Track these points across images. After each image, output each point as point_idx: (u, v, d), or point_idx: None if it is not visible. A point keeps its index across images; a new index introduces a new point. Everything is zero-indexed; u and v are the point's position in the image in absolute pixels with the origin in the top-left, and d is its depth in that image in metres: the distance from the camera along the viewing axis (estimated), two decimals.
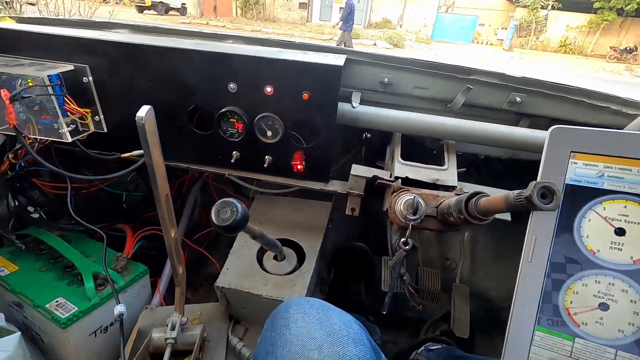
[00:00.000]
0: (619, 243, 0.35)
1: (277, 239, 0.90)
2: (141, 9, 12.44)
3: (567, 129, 0.37)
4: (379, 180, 0.74)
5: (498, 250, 1.11)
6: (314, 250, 0.86)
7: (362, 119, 0.77)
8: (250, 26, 12.12)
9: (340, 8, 14.92)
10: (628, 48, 11.58)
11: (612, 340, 0.35)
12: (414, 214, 0.60)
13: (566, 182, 0.37)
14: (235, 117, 0.74)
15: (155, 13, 12.82)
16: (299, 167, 0.76)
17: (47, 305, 0.75)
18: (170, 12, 13.59)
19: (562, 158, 0.37)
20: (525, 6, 12.91)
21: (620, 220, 0.35)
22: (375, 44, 10.50)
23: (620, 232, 0.35)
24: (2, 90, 0.63)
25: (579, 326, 0.37)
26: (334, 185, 0.81)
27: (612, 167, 0.35)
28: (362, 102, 0.82)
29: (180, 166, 0.82)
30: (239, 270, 0.79)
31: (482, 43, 14.73)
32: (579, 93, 0.74)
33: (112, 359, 0.85)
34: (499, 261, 1.11)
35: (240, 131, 0.75)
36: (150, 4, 12.39)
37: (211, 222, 0.45)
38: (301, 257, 0.85)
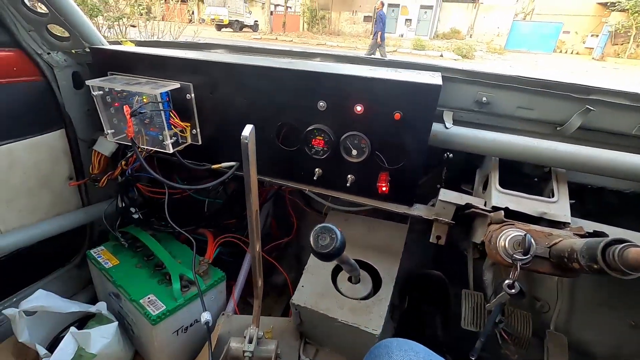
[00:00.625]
0: None
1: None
2: (219, 27, 13.73)
3: None
4: (472, 210, 0.67)
5: (605, 297, 0.94)
6: (390, 276, 0.81)
7: (456, 140, 0.71)
8: (316, 40, 12.56)
9: (407, 20, 14.74)
10: None
11: None
12: (525, 254, 0.52)
13: None
14: (322, 135, 0.74)
15: (231, 30, 14.04)
16: (383, 188, 0.72)
17: (141, 301, 0.81)
18: (244, 29, 14.78)
19: None
20: (623, 10, 11.32)
21: None
22: (442, 55, 10.10)
23: None
24: (125, 107, 0.71)
25: None
26: (419, 210, 0.76)
27: None
28: (455, 122, 0.76)
29: (264, 180, 0.84)
30: (314, 289, 0.78)
31: (566, 52, 13.27)
32: None
33: (190, 358, 0.90)
34: (607, 311, 0.94)
35: (325, 149, 0.74)
36: (227, 22, 13.62)
37: (310, 247, 0.44)
38: (376, 281, 0.81)
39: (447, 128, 0.72)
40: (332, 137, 0.72)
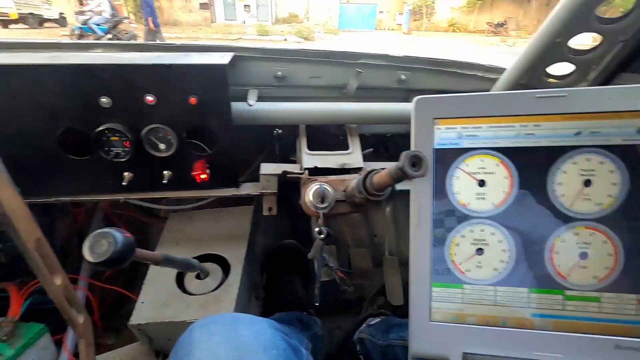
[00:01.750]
0: (482, 193, 0.39)
1: (199, 256, 0.84)
2: (5, 23, 10.46)
3: (428, 99, 0.40)
4: (287, 175, 0.73)
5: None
6: (239, 259, 0.82)
7: (261, 116, 0.75)
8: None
9: (245, 6, 14.56)
10: (500, 23, 13.56)
11: (490, 279, 0.40)
12: (322, 202, 0.61)
13: (434, 147, 0.40)
14: (117, 135, 0.65)
15: (27, 27, 10.92)
16: (202, 176, 0.71)
17: None
18: (45, 25, 11.71)
19: (427, 125, 0.40)
20: None
21: (480, 173, 0.39)
22: (286, 39, 10.51)
23: (482, 183, 0.39)
24: None
25: (464, 274, 0.40)
26: (247, 188, 0.78)
27: (467, 128, 0.39)
28: (261, 98, 0.80)
29: (61, 200, 0.70)
30: (156, 300, 0.72)
31: (384, 29, 15.77)
32: (452, 65, 0.82)
33: None
34: None
35: (126, 149, 0.67)
36: (17, 17, 10.50)
37: (86, 261, 0.39)
38: (228, 270, 0.81)
39: (250, 105, 0.74)
40: (130, 135, 0.65)
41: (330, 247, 0.89)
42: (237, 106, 0.72)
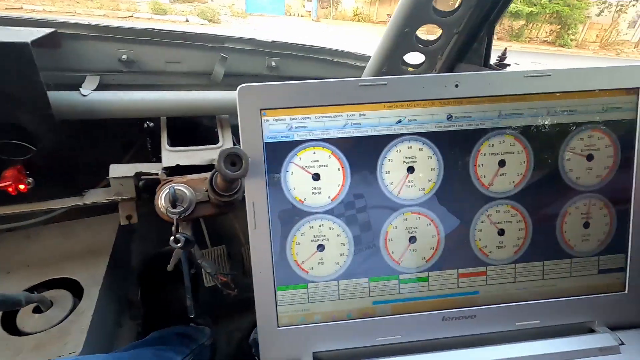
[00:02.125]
0: (318, 187, 0.38)
1: (42, 282, 0.68)
2: None
3: (252, 87, 0.36)
4: (142, 177, 0.63)
5: None
6: (95, 280, 0.69)
7: (100, 108, 0.62)
8: (5, 2, 8.89)
9: None
10: None
11: (332, 274, 0.39)
12: (173, 206, 0.53)
13: (265, 142, 0.36)
14: None
15: None
16: (20, 187, 0.56)
17: None
18: None
19: (254, 117, 0.36)
20: None
21: (313, 167, 0.37)
22: (187, 20, 9.59)
23: (316, 177, 0.37)
24: None
25: (308, 272, 0.38)
26: (93, 196, 0.65)
27: (296, 119, 0.37)
28: (105, 87, 0.66)
29: None
30: None
31: (294, 15, 15.66)
32: (323, 52, 0.81)
33: None
34: None
35: None
36: None
37: None
38: (80, 293, 0.68)
39: (83, 96, 0.61)
40: None
41: (205, 250, 0.82)
42: (64, 96, 0.58)
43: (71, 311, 0.64)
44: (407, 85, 0.37)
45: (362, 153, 0.38)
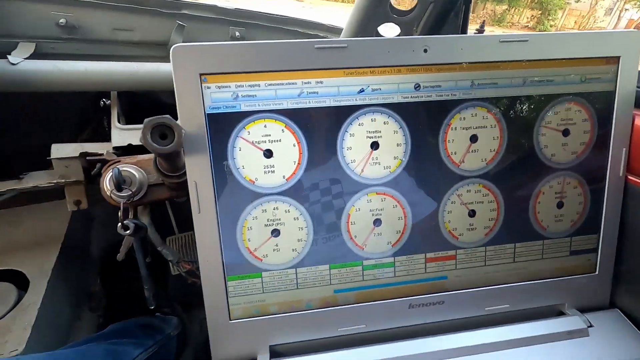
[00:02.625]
0: (271, 165, 0.33)
1: None
2: None
3: (190, 47, 0.30)
4: (87, 158, 0.57)
5: None
6: (42, 271, 0.63)
7: (35, 79, 0.54)
8: None
9: None
10: None
11: (289, 262, 0.35)
12: (119, 189, 0.48)
13: (207, 112, 0.31)
14: None
15: None
16: None
17: None
18: None
19: (193, 84, 0.31)
20: None
21: (265, 142, 0.33)
22: None
23: (268, 153, 0.33)
24: None
25: (261, 260, 0.35)
26: (34, 179, 0.58)
27: (243, 86, 0.32)
28: (42, 56, 0.58)
29: None
30: None
31: None
32: (292, 23, 0.75)
33: None
34: None
35: None
36: None
37: None
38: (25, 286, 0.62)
39: (13, 64, 0.53)
40: None
41: (172, 237, 0.77)
42: None
43: (14, 306, 0.59)
44: (370, 49, 0.32)
45: (320, 126, 0.33)
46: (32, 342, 0.54)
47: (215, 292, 0.34)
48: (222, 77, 0.31)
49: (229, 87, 0.31)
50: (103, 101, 0.78)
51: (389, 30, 0.68)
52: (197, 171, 0.32)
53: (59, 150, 0.58)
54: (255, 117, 0.32)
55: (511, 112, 0.36)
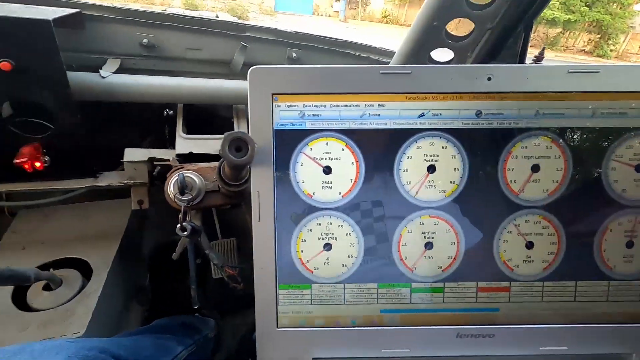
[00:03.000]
0: (329, 181, 0.35)
1: (54, 261, 0.69)
2: None
3: (265, 69, 0.33)
4: (154, 162, 0.63)
5: None
6: (105, 262, 0.69)
7: (119, 90, 0.62)
8: None
9: None
10: None
11: (339, 276, 0.36)
12: (182, 193, 0.52)
13: (275, 129, 0.34)
14: None
15: None
16: (36, 164, 0.56)
17: None
18: None
19: (265, 102, 0.34)
20: None
21: (325, 159, 0.35)
22: (217, 16, 9.78)
23: (327, 170, 0.35)
24: None
25: (312, 272, 0.36)
26: (107, 178, 0.65)
27: (310, 106, 0.34)
28: (126, 70, 0.66)
29: None
30: None
31: (322, 15, 15.69)
32: (346, 46, 0.78)
33: None
34: None
35: None
36: None
37: None
38: (89, 275, 0.68)
39: (103, 78, 0.61)
40: None
41: (215, 242, 0.81)
42: (83, 77, 0.59)
43: (79, 291, 0.65)
44: (433, 76, 0.33)
45: (379, 147, 0.35)
46: (92, 327, 0.59)
47: (266, 298, 0.36)
48: (291, 97, 0.34)
49: (297, 106, 0.34)
50: (167, 111, 0.86)
51: (442, 54, 0.68)
52: (261, 182, 0.35)
53: (130, 154, 0.64)
54: (318, 135, 0.34)
55: (578, 143, 0.35)
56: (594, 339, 0.37)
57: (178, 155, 0.65)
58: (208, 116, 0.77)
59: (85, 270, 0.69)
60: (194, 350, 0.68)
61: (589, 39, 11.28)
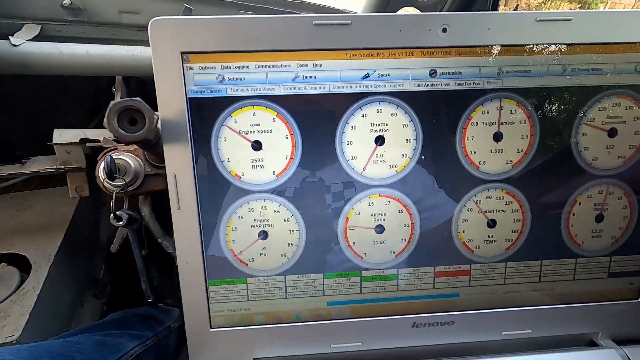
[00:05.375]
0: (260, 159, 0.29)
1: None
2: None
3: (170, 20, 0.27)
4: (86, 144, 0.55)
5: None
6: (46, 256, 0.63)
7: (36, 61, 0.53)
8: None
9: None
10: None
11: (278, 267, 0.31)
12: (111, 178, 0.46)
13: (188, 96, 0.28)
14: None
15: None
16: None
17: None
18: None
19: (173, 63, 0.27)
20: None
21: (253, 132, 0.29)
22: None
23: (257, 146, 0.29)
24: None
25: (247, 265, 0.31)
26: (37, 164, 0.57)
27: (230, 67, 0.28)
28: (47, 38, 0.57)
29: None
30: None
31: None
32: (308, 8, 0.70)
33: None
34: None
35: None
36: None
37: None
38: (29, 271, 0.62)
39: (14, 46, 0.52)
40: None
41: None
42: None
43: (14, 291, 0.58)
44: (378, 27, 0.27)
45: (317, 116, 0.29)
46: (29, 328, 0.54)
47: (195, 297, 0.31)
48: (206, 57, 0.27)
49: (214, 68, 0.28)
50: (114, 88, 0.77)
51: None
52: (177, 163, 0.29)
53: (60, 136, 0.56)
54: (243, 104, 0.28)
55: (546, 106, 0.30)
56: (559, 320, 0.34)
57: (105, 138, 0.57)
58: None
59: (25, 267, 0.63)
60: (155, 343, 0.64)
61: (570, 9, 11.27)
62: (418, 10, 0.59)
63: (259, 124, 0.29)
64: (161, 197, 0.65)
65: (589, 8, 10.93)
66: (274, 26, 0.27)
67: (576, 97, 0.30)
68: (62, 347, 0.45)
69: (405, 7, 0.59)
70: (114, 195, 0.46)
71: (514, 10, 0.57)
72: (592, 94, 0.30)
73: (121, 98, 0.63)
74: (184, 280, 0.31)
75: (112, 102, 0.24)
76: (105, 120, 0.24)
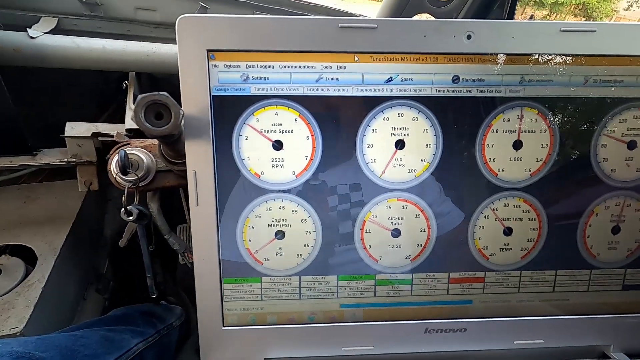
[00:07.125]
0: (280, 159, 0.29)
1: None
2: None
3: (198, 18, 0.27)
4: (99, 138, 0.55)
5: None
6: (52, 248, 0.63)
7: (53, 54, 0.53)
8: None
9: None
10: None
11: (293, 268, 0.31)
12: (124, 173, 0.46)
13: (212, 94, 0.28)
14: None
15: None
16: None
17: None
18: None
19: (199, 61, 0.27)
20: None
21: (275, 132, 0.29)
22: None
23: (277, 145, 0.29)
24: None
25: (262, 264, 0.31)
26: (48, 156, 0.58)
27: (254, 66, 0.28)
28: (64, 32, 0.57)
29: None
30: None
31: None
32: (321, 11, 0.71)
33: None
34: None
35: None
36: None
37: None
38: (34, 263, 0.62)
39: (32, 38, 0.52)
40: None
41: (183, 225, 0.75)
42: (6, 37, 0.50)
43: (20, 282, 0.58)
44: (403, 32, 0.28)
45: (338, 118, 0.29)
46: (33, 321, 0.54)
47: (209, 294, 0.31)
48: (232, 55, 0.28)
49: (239, 66, 0.28)
50: (125, 83, 0.77)
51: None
52: (198, 159, 0.29)
53: (72, 129, 0.57)
54: (266, 103, 0.29)
55: (566, 116, 0.30)
56: (571, 331, 0.34)
57: (128, 130, 0.57)
58: (167, 87, 0.70)
59: (31, 259, 0.63)
60: (157, 340, 0.64)
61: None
62: (433, 17, 0.60)
63: (281, 124, 0.29)
64: (168, 194, 0.66)
65: (593, 21, 10.98)
66: (299, 27, 0.27)
67: (597, 108, 0.30)
68: (68, 341, 0.45)
69: (420, 14, 0.60)
70: (125, 189, 0.46)
71: (530, 18, 0.57)
72: (613, 106, 0.30)
73: (134, 94, 0.63)
74: (199, 277, 0.31)
75: (140, 96, 0.24)
76: (132, 113, 0.24)
